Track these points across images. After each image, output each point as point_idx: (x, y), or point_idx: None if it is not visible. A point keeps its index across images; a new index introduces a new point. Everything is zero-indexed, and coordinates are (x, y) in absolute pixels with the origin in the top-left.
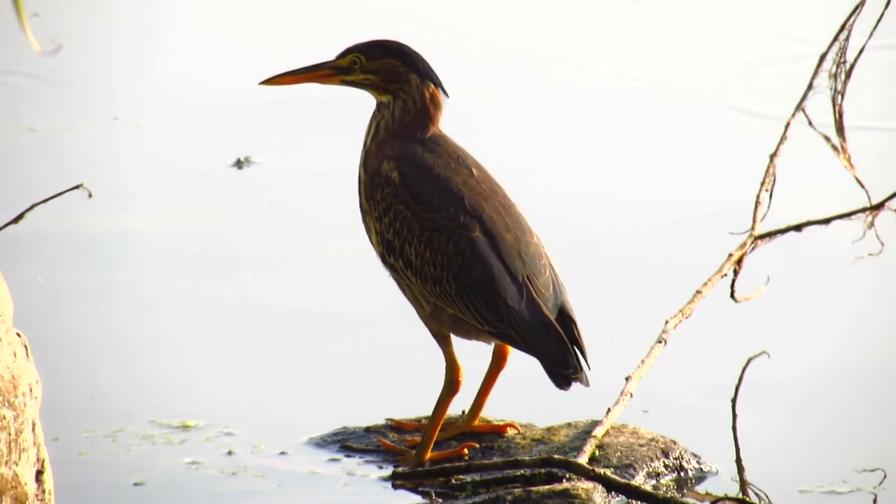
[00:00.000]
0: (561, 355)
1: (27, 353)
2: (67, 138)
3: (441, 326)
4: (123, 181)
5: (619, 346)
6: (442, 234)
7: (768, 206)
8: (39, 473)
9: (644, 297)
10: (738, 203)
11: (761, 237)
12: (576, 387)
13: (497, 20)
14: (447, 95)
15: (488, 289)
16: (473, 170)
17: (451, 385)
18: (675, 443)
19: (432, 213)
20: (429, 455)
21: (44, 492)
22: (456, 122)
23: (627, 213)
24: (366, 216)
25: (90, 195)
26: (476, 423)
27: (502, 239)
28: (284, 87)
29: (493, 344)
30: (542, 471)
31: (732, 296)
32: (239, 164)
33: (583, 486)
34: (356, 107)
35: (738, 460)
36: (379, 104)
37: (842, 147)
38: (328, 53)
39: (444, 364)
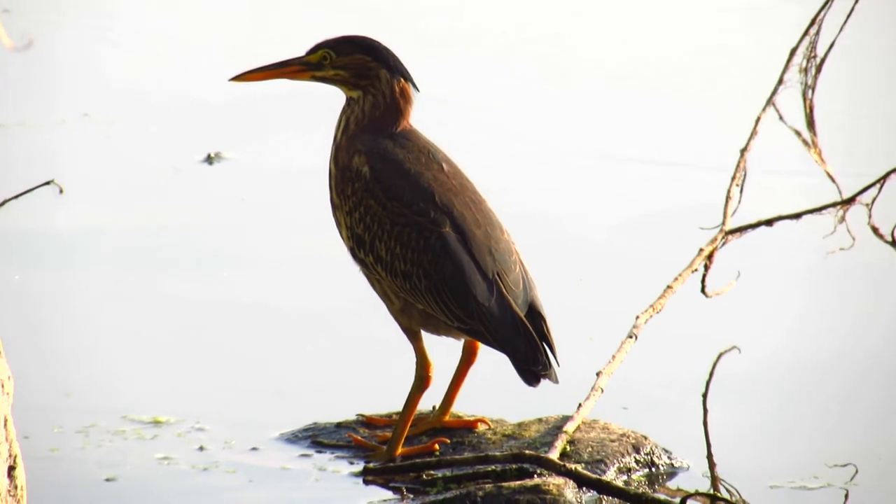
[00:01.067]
0: (530, 352)
1: None
2: (38, 135)
3: (411, 322)
4: (94, 177)
5: (589, 341)
6: (412, 230)
7: (739, 201)
8: (11, 469)
9: (615, 293)
10: (709, 198)
11: (732, 232)
12: (546, 382)
13: (473, 16)
14: (417, 90)
15: (458, 285)
16: (444, 165)
17: (422, 380)
18: (646, 438)
19: (403, 209)
20: (399, 450)
21: (16, 487)
22: (430, 119)
23: (598, 209)
24: (336, 210)
25: (61, 191)
26: (447, 418)
27: (473, 235)
28: (255, 83)
29: (463, 339)
30: (513, 466)
31: (703, 291)
32: (209, 159)
33: (554, 481)
34: (328, 102)
35: (710, 456)
36: (349, 99)
37: (813, 142)
38: (299, 49)
39: (414, 360)
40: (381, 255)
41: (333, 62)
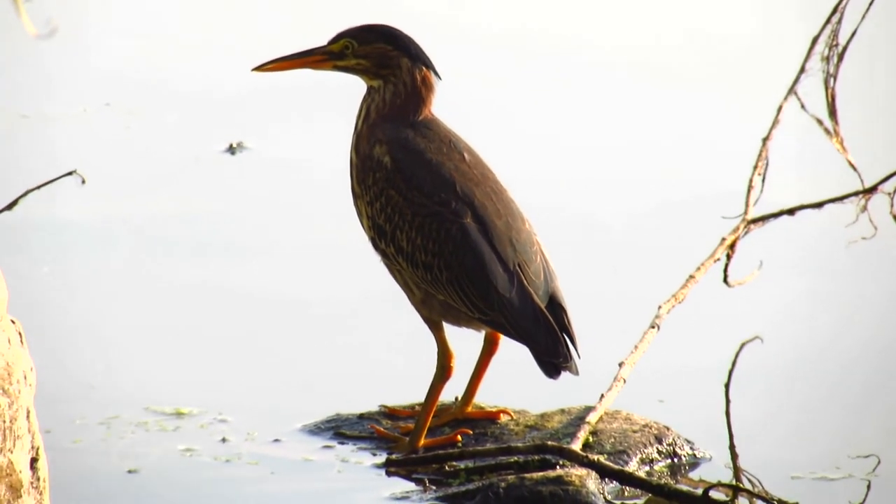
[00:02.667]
0: (551, 344)
1: (21, 341)
2: (59, 125)
3: (432, 313)
4: (115, 168)
5: (612, 331)
6: (433, 220)
7: (761, 190)
8: (34, 461)
9: (637, 283)
10: (730, 187)
11: (754, 221)
12: (567, 374)
13: (485, 9)
14: (440, 78)
15: (479, 276)
16: (465, 154)
17: (444, 371)
18: (668, 429)
19: (424, 199)
20: (422, 442)
21: (38, 479)
22: (448, 109)
23: (620, 198)
24: (357, 200)
25: (83, 181)
26: (469, 409)
27: (493, 225)
28: (277, 73)
29: (484, 330)
30: (536, 457)
31: (726, 280)
32: (231, 149)
33: (576, 472)
34: (350, 91)
35: (732, 446)
36: (369, 88)
37: (834, 130)
38: (320, 38)
39: (436, 350)
40: (402, 246)
41: (355, 51)
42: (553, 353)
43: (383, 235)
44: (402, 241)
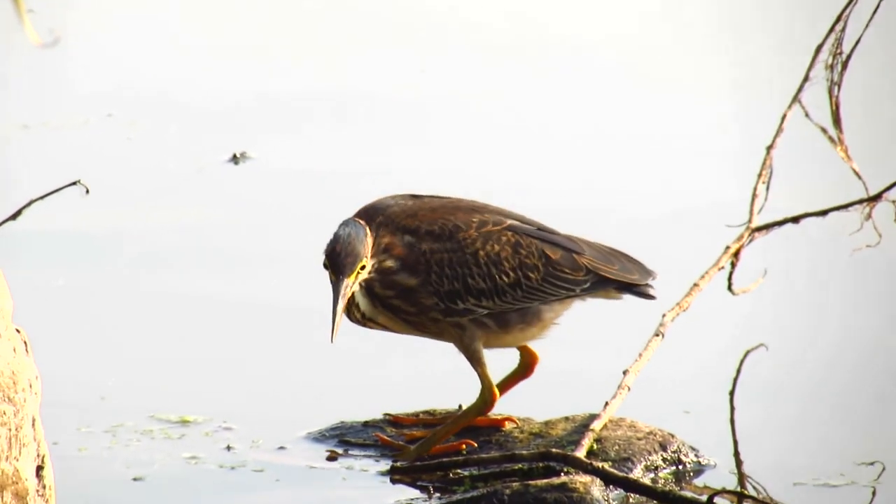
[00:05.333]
0: (638, 268)
1: (27, 349)
2: (61, 135)
3: (503, 338)
4: (118, 178)
5: (616, 339)
6: (494, 242)
7: (765, 198)
8: (40, 469)
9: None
10: (734, 195)
11: (758, 229)
12: (572, 379)
13: (483, 13)
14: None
15: (562, 254)
16: (433, 198)
17: (485, 405)
18: (672, 436)
19: (465, 234)
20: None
21: (44, 487)
22: (442, 120)
23: (623, 206)
24: (417, 300)
25: (87, 191)
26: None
27: (522, 219)
28: (278, 87)
29: (520, 352)
30: (540, 465)
31: (730, 288)
32: (235, 159)
33: (581, 479)
34: (355, 103)
35: (737, 453)
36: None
37: (839, 139)
38: (319, 47)
39: (480, 385)
40: (483, 288)
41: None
42: (645, 274)
43: (457, 296)
44: (478, 284)
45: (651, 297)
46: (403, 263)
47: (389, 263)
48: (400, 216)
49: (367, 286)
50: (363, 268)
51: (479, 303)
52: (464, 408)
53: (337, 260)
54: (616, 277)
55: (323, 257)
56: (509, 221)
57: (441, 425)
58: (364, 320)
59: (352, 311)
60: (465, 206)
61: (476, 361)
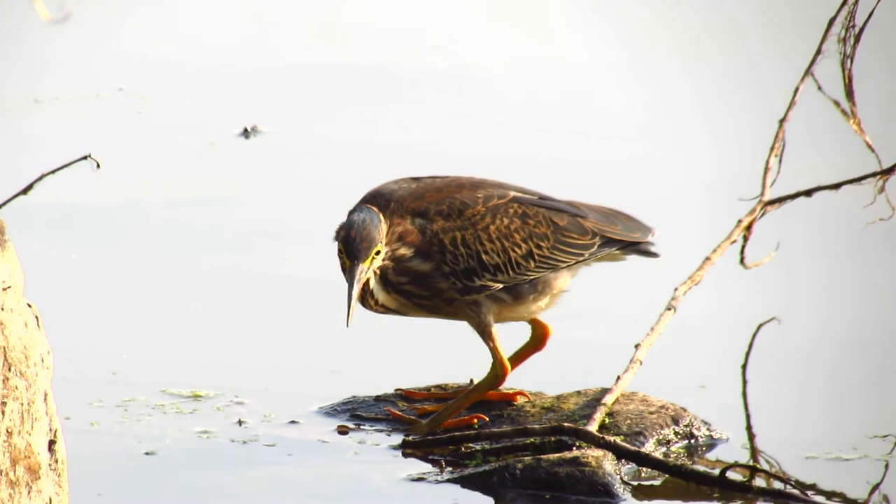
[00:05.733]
0: (638, 226)
1: (38, 324)
2: (72, 109)
3: (517, 310)
4: (130, 152)
5: (628, 313)
6: (502, 215)
7: (778, 172)
8: (52, 443)
9: (653, 265)
10: (747, 169)
11: (771, 203)
12: (584, 353)
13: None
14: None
15: (569, 220)
16: (434, 178)
17: (497, 379)
18: (685, 410)
19: (473, 211)
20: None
21: (56, 461)
22: (455, 92)
23: (636, 181)
24: (431, 284)
25: (98, 166)
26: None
27: (522, 190)
28: (291, 61)
29: (532, 326)
30: (552, 439)
31: (742, 262)
32: (246, 133)
33: (593, 453)
34: (365, 77)
35: (749, 427)
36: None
37: (851, 112)
38: (330, 21)
39: (491, 360)
40: (496, 262)
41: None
42: (645, 231)
43: (473, 273)
44: (492, 259)
45: (654, 254)
46: (417, 250)
47: (404, 251)
48: (408, 200)
49: (382, 273)
50: (378, 253)
51: (494, 277)
52: (475, 382)
53: (352, 245)
54: (621, 238)
55: (336, 244)
56: (512, 193)
57: (453, 400)
58: (377, 307)
59: (366, 298)
60: (466, 183)
61: (488, 336)
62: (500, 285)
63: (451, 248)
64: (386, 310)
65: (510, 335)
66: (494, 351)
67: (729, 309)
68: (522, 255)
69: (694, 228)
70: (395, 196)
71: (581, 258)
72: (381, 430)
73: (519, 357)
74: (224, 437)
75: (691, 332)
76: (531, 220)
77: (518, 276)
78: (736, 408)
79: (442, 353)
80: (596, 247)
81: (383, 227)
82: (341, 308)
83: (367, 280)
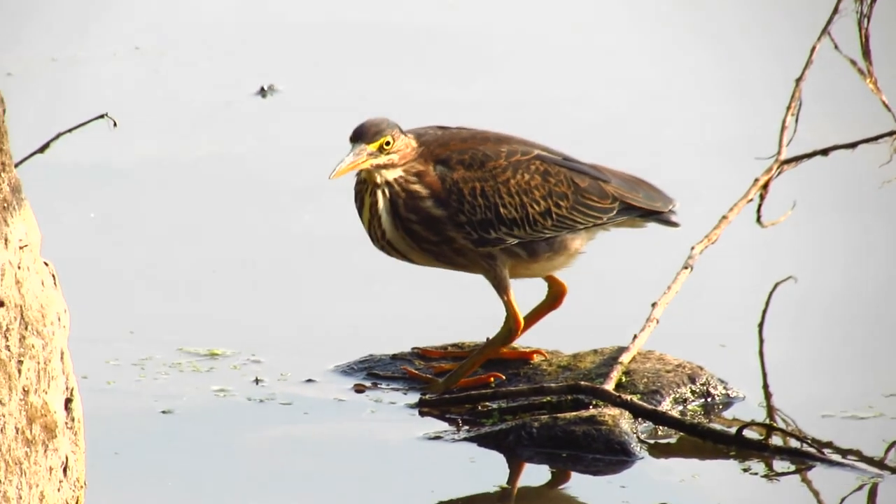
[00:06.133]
0: (660, 196)
1: (55, 283)
2: (89, 68)
3: (532, 266)
4: (146, 111)
5: (645, 272)
6: (524, 171)
7: (794, 131)
8: (68, 402)
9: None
10: (764, 128)
11: (787, 162)
12: (601, 312)
13: None
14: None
15: (589, 182)
16: (461, 129)
17: (510, 333)
18: (701, 369)
19: (495, 164)
20: (456, 385)
21: (73, 420)
22: (473, 53)
23: (652, 141)
24: (442, 230)
25: (115, 124)
26: (505, 350)
27: (547, 150)
28: (310, 15)
29: (548, 284)
30: (569, 397)
31: (759, 221)
32: (263, 92)
33: (609, 412)
34: (383, 36)
35: (765, 386)
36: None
37: (868, 71)
38: None
39: (504, 313)
40: (514, 217)
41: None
42: (667, 202)
43: (490, 226)
44: (510, 213)
45: (675, 224)
46: (433, 193)
47: (418, 188)
48: (432, 145)
49: (392, 202)
50: (387, 145)
51: (510, 232)
52: (490, 339)
53: (360, 129)
54: (641, 205)
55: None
56: (536, 151)
57: (467, 358)
58: (383, 242)
59: (373, 227)
60: (492, 137)
61: (503, 290)
62: (516, 240)
63: (469, 198)
64: (392, 249)
65: (527, 293)
66: (508, 305)
67: (745, 268)
68: (540, 212)
69: (711, 187)
70: (420, 140)
71: (599, 221)
72: (397, 389)
73: (535, 315)
74: (241, 396)
75: (708, 292)
76: (552, 178)
77: (534, 233)
78: (752, 367)
79: (459, 311)
80: (615, 212)
81: (405, 138)
82: (360, 266)
83: (376, 203)
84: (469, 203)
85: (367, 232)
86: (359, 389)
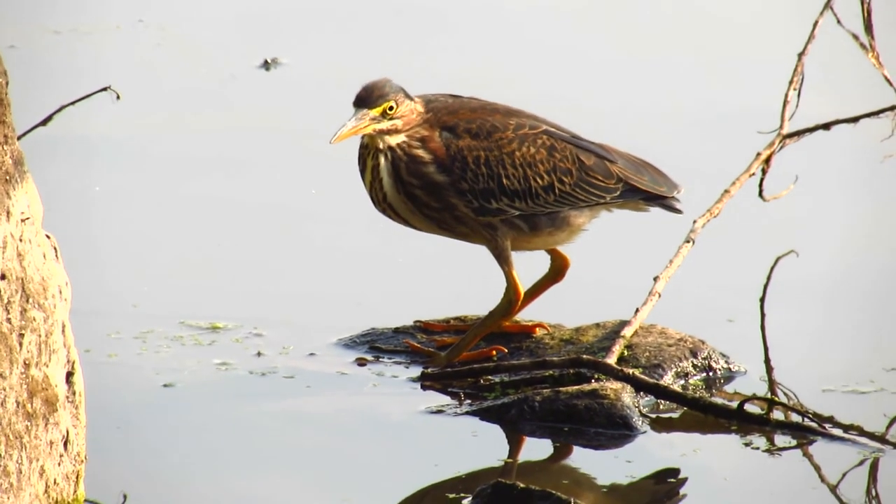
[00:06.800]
0: (666, 181)
1: (57, 256)
2: (91, 41)
3: (534, 240)
4: (150, 84)
5: (647, 246)
6: (529, 144)
7: (797, 105)
8: (69, 375)
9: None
10: (767, 102)
11: (789, 136)
12: (603, 286)
13: None
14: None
15: (595, 161)
16: (472, 99)
17: (511, 305)
18: (703, 343)
19: (502, 135)
20: (458, 358)
21: (74, 393)
22: (474, 26)
23: (655, 115)
24: (444, 197)
25: (118, 97)
26: (506, 323)
27: (556, 127)
28: None
29: (552, 257)
30: (571, 371)
31: (761, 195)
32: (266, 65)
33: (611, 386)
34: (385, 8)
35: (767, 360)
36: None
37: (870, 45)
38: None
39: (505, 285)
40: (516, 189)
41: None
42: (672, 187)
43: (491, 195)
44: (513, 185)
45: (678, 210)
46: (436, 159)
47: (421, 153)
48: (441, 112)
49: (394, 165)
50: (391, 110)
51: (511, 203)
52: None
53: (363, 93)
54: (646, 188)
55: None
56: (544, 126)
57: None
58: (384, 205)
59: (374, 188)
60: (502, 109)
61: (503, 260)
62: (517, 212)
63: (472, 166)
64: (393, 213)
65: (530, 266)
66: (509, 276)
67: (747, 242)
68: (543, 186)
69: (713, 161)
70: (430, 106)
71: (602, 200)
72: (399, 363)
73: (538, 289)
74: (242, 369)
75: (710, 265)
76: (558, 153)
77: (536, 207)
78: (754, 341)
79: (463, 284)
80: (619, 192)
81: (410, 102)
82: (363, 240)
83: (378, 166)
84: (472, 171)
85: (368, 194)
86: (361, 363)
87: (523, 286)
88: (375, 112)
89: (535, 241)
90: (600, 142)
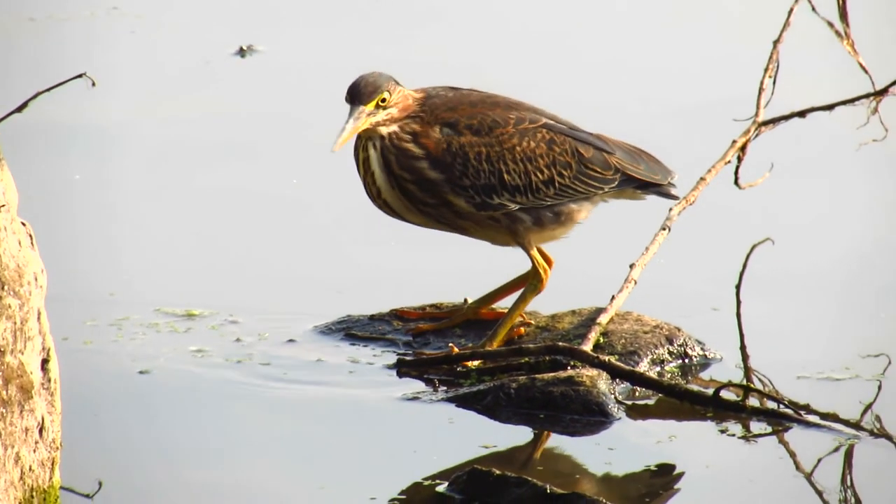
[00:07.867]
0: (660, 168)
1: (32, 243)
2: (67, 28)
3: (542, 230)
4: (125, 71)
5: (623, 233)
6: (529, 138)
7: (772, 93)
8: (45, 362)
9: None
10: (742, 91)
11: (765, 123)
12: (579, 274)
13: None
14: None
15: (594, 153)
16: (472, 92)
17: (540, 283)
18: (679, 330)
19: (502, 130)
20: (496, 345)
21: (49, 380)
22: (457, 14)
23: (629, 102)
24: (440, 193)
25: (94, 84)
26: (483, 311)
27: (555, 118)
28: None
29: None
30: (547, 358)
31: (736, 182)
32: (242, 52)
33: (587, 373)
34: None
35: (742, 347)
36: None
37: (845, 33)
38: None
39: (531, 267)
40: (517, 184)
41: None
42: (666, 174)
43: (493, 191)
44: (514, 180)
45: (674, 196)
46: (429, 155)
47: (411, 147)
48: (440, 108)
49: (384, 158)
50: (383, 102)
51: (513, 198)
52: (469, 301)
53: (355, 89)
54: (643, 177)
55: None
56: (544, 119)
57: (452, 317)
58: (380, 201)
59: (368, 182)
60: (502, 103)
61: (528, 245)
62: (517, 206)
63: (474, 162)
64: (390, 210)
65: (505, 265)
66: (532, 256)
67: (723, 230)
68: (543, 180)
69: (689, 149)
70: (428, 101)
71: (600, 191)
72: (376, 350)
73: (513, 286)
74: (219, 357)
75: (685, 253)
76: (557, 147)
77: (536, 201)
78: (730, 328)
79: (438, 272)
80: (616, 182)
81: (402, 90)
82: (339, 227)
83: (369, 159)
84: (474, 167)
85: (364, 190)
86: (337, 350)
87: (545, 263)
88: (370, 107)
89: (543, 234)
90: (597, 132)
